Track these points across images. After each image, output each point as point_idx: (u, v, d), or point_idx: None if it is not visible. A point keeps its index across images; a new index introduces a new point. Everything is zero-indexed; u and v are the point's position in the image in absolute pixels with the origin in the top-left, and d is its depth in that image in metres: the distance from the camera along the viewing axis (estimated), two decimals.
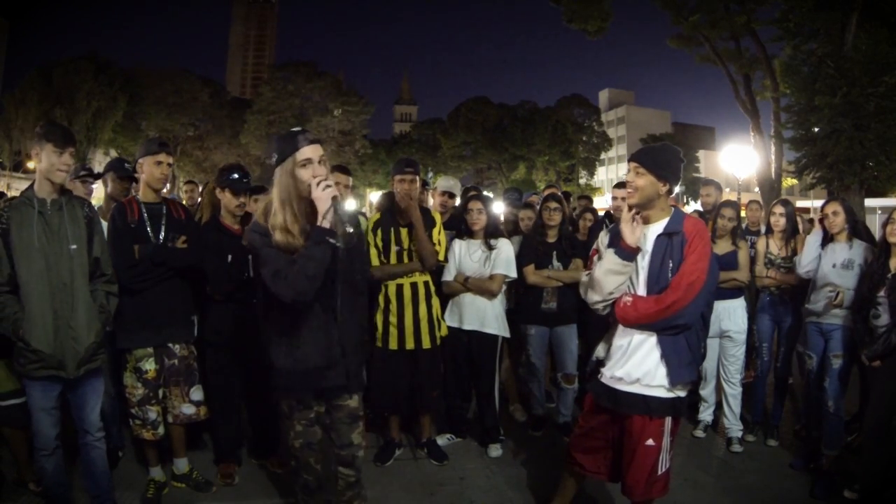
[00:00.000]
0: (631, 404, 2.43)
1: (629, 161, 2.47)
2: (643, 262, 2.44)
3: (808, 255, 3.75)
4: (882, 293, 3.18)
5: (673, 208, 2.51)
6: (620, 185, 4.50)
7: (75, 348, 2.57)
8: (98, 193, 4.84)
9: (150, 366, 3.07)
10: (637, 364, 2.41)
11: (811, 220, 5.37)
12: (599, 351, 2.62)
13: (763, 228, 5.03)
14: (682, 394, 2.44)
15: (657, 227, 2.44)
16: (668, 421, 2.45)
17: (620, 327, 2.49)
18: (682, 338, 2.39)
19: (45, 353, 2.52)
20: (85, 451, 2.76)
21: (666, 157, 2.44)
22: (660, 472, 2.47)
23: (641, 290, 2.43)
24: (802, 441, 4.06)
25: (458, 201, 4.49)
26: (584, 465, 2.68)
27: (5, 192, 12.68)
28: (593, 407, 2.62)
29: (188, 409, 3.19)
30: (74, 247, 2.60)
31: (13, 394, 3.00)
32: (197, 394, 3.23)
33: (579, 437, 2.71)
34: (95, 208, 2.93)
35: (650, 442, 2.42)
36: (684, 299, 2.31)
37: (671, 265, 2.37)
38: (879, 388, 3.16)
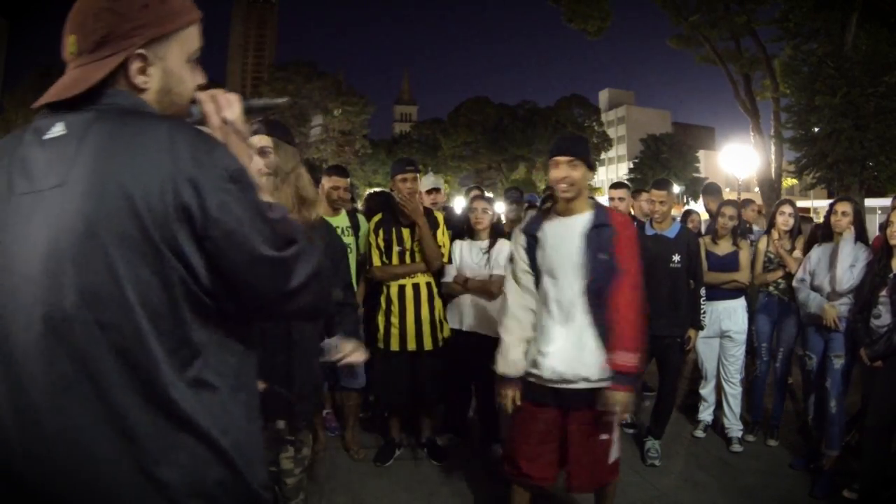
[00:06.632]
0: (579, 399, 2.36)
1: (556, 156, 2.38)
2: (579, 254, 2.35)
3: (845, 271, 3.46)
4: (883, 293, 3.19)
5: (590, 198, 2.49)
6: (617, 185, 4.52)
7: None
8: None
9: None
10: (586, 360, 2.34)
11: (808, 219, 5.34)
12: (515, 355, 2.50)
13: (755, 227, 5.06)
14: None
15: (583, 220, 2.40)
16: None
17: (550, 325, 2.40)
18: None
19: None
20: None
21: (586, 148, 2.45)
22: (611, 461, 2.46)
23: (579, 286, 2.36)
24: (803, 440, 4.06)
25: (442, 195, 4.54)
26: (532, 474, 2.49)
27: None
28: (532, 410, 2.46)
29: None
30: None
31: None
32: None
33: (522, 445, 2.50)
34: None
35: (604, 436, 2.40)
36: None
37: (604, 258, 2.34)
38: (880, 388, 3.16)
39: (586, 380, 2.34)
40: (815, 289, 3.63)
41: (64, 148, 0.88)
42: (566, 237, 2.40)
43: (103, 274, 0.84)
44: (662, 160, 39.41)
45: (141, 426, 0.86)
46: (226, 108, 1.06)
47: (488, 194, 6.27)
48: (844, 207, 3.60)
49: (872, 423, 3.16)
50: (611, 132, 52.97)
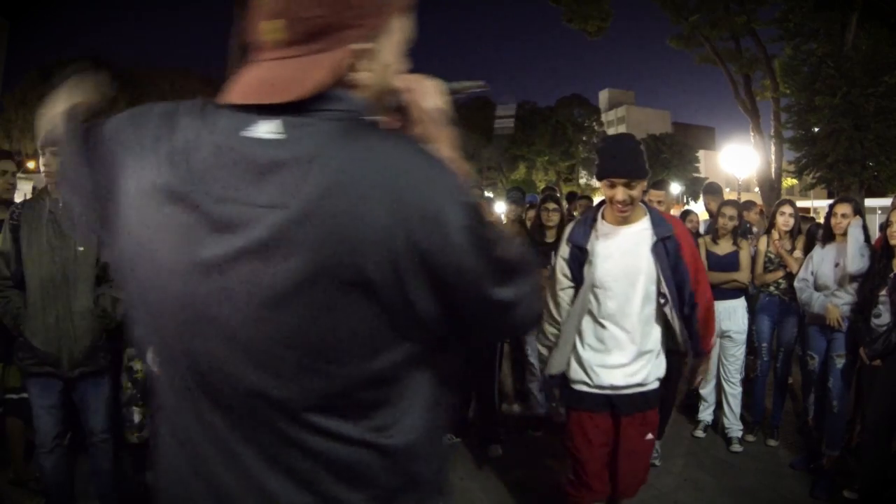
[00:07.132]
0: (631, 404, 2.37)
1: (612, 177, 2.24)
2: (643, 266, 2.31)
3: (856, 255, 3.44)
4: (883, 293, 3.19)
5: (644, 205, 2.42)
6: None
7: (71, 349, 2.58)
8: None
9: (140, 366, 3.07)
10: (640, 367, 2.35)
11: (810, 219, 5.34)
12: (557, 365, 2.44)
13: (754, 230, 5.06)
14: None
15: (640, 229, 2.33)
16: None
17: (601, 336, 2.34)
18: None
19: (41, 351, 2.54)
20: (91, 451, 2.79)
21: (643, 157, 2.33)
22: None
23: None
24: (803, 440, 4.05)
25: None
26: (600, 488, 2.44)
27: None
28: (589, 417, 2.39)
29: None
30: (82, 249, 2.61)
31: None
32: None
33: (588, 463, 2.40)
34: None
35: (650, 436, 2.44)
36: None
37: (677, 269, 2.31)
38: (879, 387, 3.16)
39: (640, 385, 2.34)
40: (818, 289, 3.63)
41: (281, 155, 0.73)
42: (624, 248, 2.30)
43: (318, 323, 0.73)
44: (662, 160, 39.40)
45: (333, 457, 0.79)
46: (429, 96, 0.91)
47: (488, 194, 6.27)
48: (844, 209, 3.60)
49: (872, 422, 3.17)
50: (611, 132, 52.99)
